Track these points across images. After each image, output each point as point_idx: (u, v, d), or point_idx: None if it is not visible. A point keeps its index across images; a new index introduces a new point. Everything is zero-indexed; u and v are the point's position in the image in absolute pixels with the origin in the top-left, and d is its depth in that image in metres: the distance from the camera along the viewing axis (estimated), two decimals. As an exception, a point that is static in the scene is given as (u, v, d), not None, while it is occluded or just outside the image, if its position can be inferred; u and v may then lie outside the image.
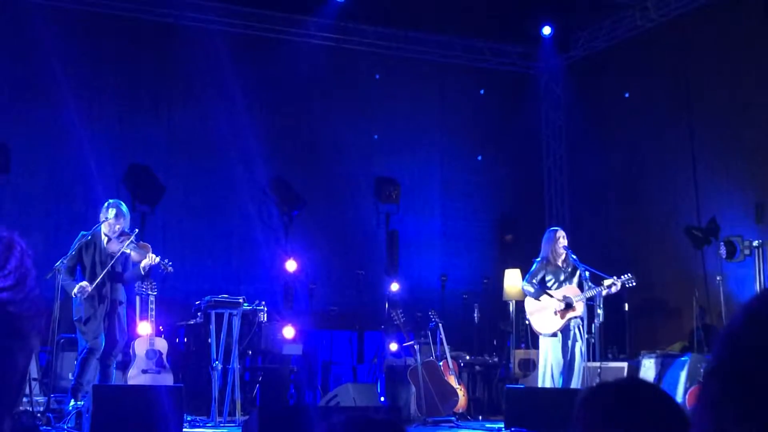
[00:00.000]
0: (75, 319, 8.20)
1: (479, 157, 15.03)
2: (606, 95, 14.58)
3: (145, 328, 9.16)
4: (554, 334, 8.80)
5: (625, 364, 10.75)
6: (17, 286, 1.60)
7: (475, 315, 12.24)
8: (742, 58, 11.91)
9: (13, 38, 12.22)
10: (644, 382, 1.71)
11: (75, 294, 8.07)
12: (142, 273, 8.42)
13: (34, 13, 12.13)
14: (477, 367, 11.57)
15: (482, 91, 15.07)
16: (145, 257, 8.30)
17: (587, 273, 8.81)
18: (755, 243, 10.57)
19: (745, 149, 11.90)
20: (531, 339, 10.99)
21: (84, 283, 8.07)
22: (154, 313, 9.12)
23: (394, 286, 12.60)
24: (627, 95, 13.88)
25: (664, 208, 13.11)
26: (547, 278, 8.95)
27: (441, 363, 10.14)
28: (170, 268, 8.50)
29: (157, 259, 8.30)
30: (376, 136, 14.33)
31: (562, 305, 8.76)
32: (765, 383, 0.84)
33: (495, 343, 12.77)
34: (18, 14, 12.14)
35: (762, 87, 11.58)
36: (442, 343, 10.38)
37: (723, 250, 10.76)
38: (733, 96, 12.03)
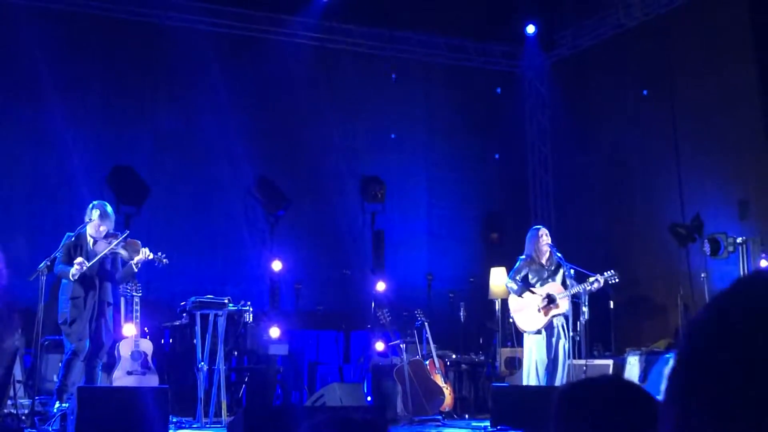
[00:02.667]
0: (60, 322, 8.15)
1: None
2: (590, 93, 14.62)
3: (130, 329, 9.12)
4: (538, 332, 8.82)
5: (610, 362, 10.78)
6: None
7: (461, 314, 12.24)
8: (725, 56, 11.96)
9: (-4, 39, 12.16)
10: (621, 379, 1.72)
11: (73, 274, 7.97)
12: (135, 270, 8.37)
13: (17, 13, 12.07)
14: (463, 366, 11.58)
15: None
16: (137, 253, 8.25)
17: (572, 271, 8.84)
18: (739, 240, 10.63)
19: (729, 146, 11.95)
20: (517, 337, 11.01)
21: (79, 259, 7.99)
22: (138, 314, 9.10)
23: (380, 286, 12.59)
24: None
25: (648, 205, 13.16)
26: (531, 276, 8.98)
27: (427, 362, 10.15)
28: (165, 260, 8.47)
29: (151, 255, 8.26)
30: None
31: (545, 302, 8.78)
32: (729, 376, 0.84)
33: (481, 341, 12.79)
34: (0, 14, 12.07)
35: (745, 84, 11.63)
36: (428, 342, 10.40)
37: (707, 247, 10.81)
38: (716, 93, 12.08)
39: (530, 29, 14.34)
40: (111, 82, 12.93)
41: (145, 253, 8.22)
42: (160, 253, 8.42)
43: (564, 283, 8.87)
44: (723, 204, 11.83)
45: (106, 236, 8.28)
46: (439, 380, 10.03)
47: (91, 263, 8.04)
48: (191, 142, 13.16)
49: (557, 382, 8.61)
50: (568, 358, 8.78)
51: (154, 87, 13.18)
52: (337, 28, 13.87)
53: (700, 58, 12.34)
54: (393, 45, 14.33)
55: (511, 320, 9.75)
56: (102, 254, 8.15)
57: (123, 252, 8.28)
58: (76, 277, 7.99)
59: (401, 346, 10.05)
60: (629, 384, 1.68)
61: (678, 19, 12.62)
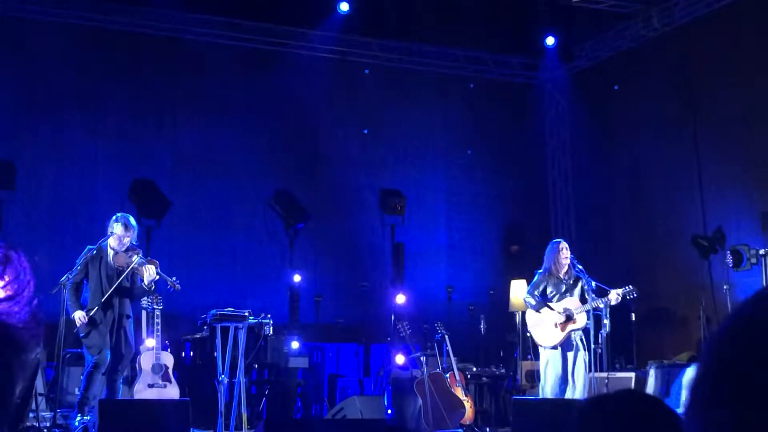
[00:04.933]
0: (81, 335, 8.18)
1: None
2: (611, 105, 14.57)
3: (150, 342, 9.15)
4: (554, 347, 8.77)
5: (632, 375, 10.70)
6: (14, 298, 1.60)
7: (482, 326, 12.20)
8: (746, 67, 11.89)
9: (18, 54, 12.28)
10: (643, 394, 1.70)
11: (73, 318, 8.01)
12: (147, 289, 8.41)
13: (38, 29, 12.19)
14: (484, 379, 11.53)
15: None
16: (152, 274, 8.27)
17: (594, 284, 8.77)
18: (762, 251, 10.52)
19: (751, 158, 11.88)
20: (536, 350, 10.96)
21: (81, 314, 7.99)
22: (159, 327, 9.12)
23: (400, 298, 12.57)
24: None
25: (669, 217, 13.08)
26: (549, 290, 8.92)
27: (448, 375, 10.11)
28: (178, 286, 8.46)
29: (156, 274, 8.21)
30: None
31: (563, 318, 8.72)
32: (753, 386, 0.83)
33: (501, 354, 12.73)
34: (22, 30, 12.20)
35: (767, 95, 11.56)
36: (448, 355, 10.36)
37: (729, 259, 10.72)
38: (737, 104, 12.01)
39: (550, 41, 14.31)
40: (132, 97, 13.01)
41: (150, 271, 8.15)
42: (173, 278, 8.41)
43: (582, 298, 8.81)
44: (745, 215, 11.74)
45: (127, 249, 8.30)
46: (459, 393, 9.99)
47: (95, 309, 8.02)
48: (211, 155, 13.22)
49: (578, 395, 8.55)
50: (590, 371, 8.71)
51: (174, 101, 13.26)
52: (356, 42, 13.91)
53: (721, 68, 12.27)
54: (412, 57, 14.35)
55: (528, 334, 9.70)
56: (124, 275, 8.16)
57: (141, 269, 8.29)
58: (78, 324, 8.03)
59: (421, 358, 10.01)
60: (651, 398, 1.67)
61: (698, 30, 12.57)
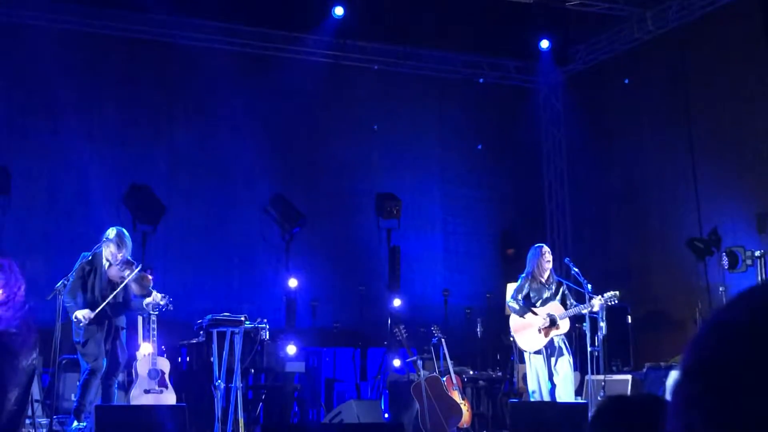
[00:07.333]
0: (75, 341, 8.18)
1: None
2: (606, 108, 14.59)
3: (147, 347, 9.14)
4: (538, 352, 8.77)
5: (629, 377, 10.71)
6: (5, 304, 1.60)
7: (478, 329, 12.19)
8: (740, 69, 11.92)
9: (12, 59, 12.27)
10: (658, 397, 1.70)
11: (74, 320, 8.01)
12: (145, 308, 8.43)
13: (35, 34, 12.18)
14: (481, 382, 11.52)
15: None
16: (146, 290, 8.26)
17: (590, 286, 8.76)
18: (757, 253, 10.55)
19: (746, 159, 11.90)
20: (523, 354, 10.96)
21: (86, 312, 7.99)
22: (155, 332, 9.11)
23: (397, 302, 12.57)
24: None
25: (665, 219, 13.10)
26: (531, 294, 8.92)
27: (444, 378, 10.10)
28: (170, 306, 8.50)
29: (163, 302, 8.28)
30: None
31: (547, 323, 8.72)
32: (730, 388, 0.83)
33: (498, 357, 12.72)
34: (18, 35, 12.20)
35: (761, 97, 11.59)
36: (445, 359, 10.35)
37: (725, 261, 10.74)
38: (732, 106, 12.04)
39: (544, 44, 14.33)
40: (128, 102, 13.02)
41: (156, 297, 8.24)
42: (166, 296, 8.43)
43: (564, 303, 8.82)
44: (741, 217, 11.76)
45: (122, 262, 8.29)
46: (456, 397, 9.98)
47: (96, 312, 8.02)
48: (207, 160, 13.23)
49: (566, 398, 8.55)
50: (574, 372, 8.73)
51: (170, 106, 13.26)
52: (351, 46, 13.92)
53: (716, 70, 12.30)
54: (407, 61, 14.37)
55: (511, 339, 9.71)
56: (116, 292, 8.15)
57: (134, 286, 8.28)
58: (75, 323, 8.01)
59: (418, 362, 10.01)
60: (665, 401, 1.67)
61: (692, 32, 12.60)
